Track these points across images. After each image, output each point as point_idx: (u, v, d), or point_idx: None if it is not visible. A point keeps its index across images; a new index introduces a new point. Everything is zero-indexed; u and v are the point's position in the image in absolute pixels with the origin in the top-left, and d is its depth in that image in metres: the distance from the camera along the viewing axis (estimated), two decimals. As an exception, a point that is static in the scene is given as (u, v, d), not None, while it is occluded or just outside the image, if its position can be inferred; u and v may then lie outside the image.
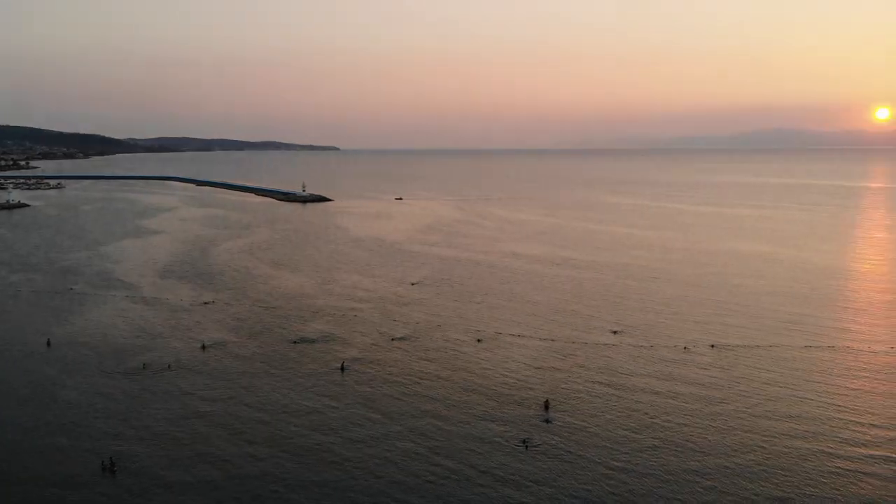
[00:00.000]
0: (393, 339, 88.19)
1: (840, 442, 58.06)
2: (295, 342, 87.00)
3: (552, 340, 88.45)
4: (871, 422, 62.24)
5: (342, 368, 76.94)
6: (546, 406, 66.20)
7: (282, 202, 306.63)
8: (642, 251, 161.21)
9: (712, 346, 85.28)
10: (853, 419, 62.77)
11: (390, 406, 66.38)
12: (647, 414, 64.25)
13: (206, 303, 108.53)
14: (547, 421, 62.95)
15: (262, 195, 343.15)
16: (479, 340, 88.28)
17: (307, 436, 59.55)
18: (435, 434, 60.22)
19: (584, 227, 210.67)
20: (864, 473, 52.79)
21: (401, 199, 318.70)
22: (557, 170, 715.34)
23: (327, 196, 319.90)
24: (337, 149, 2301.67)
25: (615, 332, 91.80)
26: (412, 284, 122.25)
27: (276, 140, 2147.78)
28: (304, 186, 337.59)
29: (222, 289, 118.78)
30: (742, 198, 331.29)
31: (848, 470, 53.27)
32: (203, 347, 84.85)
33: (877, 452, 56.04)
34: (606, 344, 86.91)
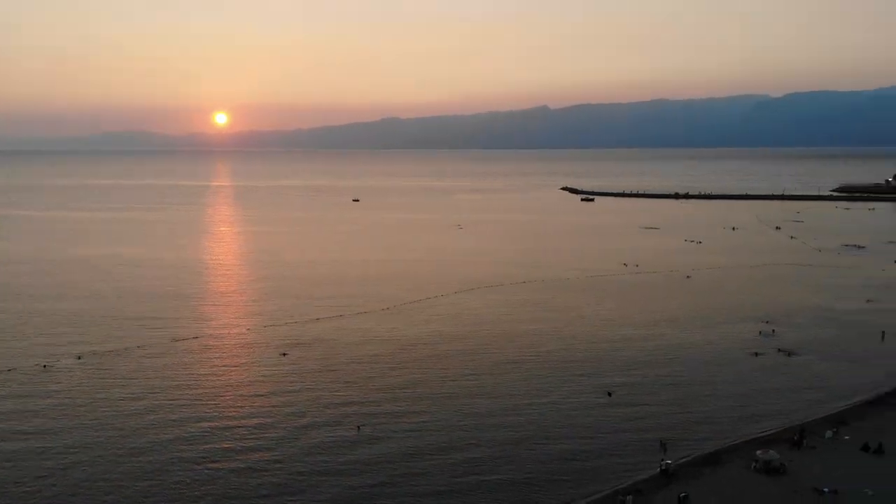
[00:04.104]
0: None
1: (223, 433, 62.30)
2: None
3: None
4: (240, 403, 68.74)
5: None
6: None
7: None
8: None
9: (79, 357, 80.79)
10: (224, 407, 68.16)
11: None
12: (12, 454, 56.75)
13: None
14: None
15: None
16: None
17: None
18: None
19: None
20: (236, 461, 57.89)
21: None
22: None
23: None
24: None
25: (-41, 364, 78.27)
26: None
27: None
28: None
29: None
30: (95, 201, 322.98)
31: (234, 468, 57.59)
32: None
33: (245, 438, 62.21)
34: (-52, 379, 73.22)
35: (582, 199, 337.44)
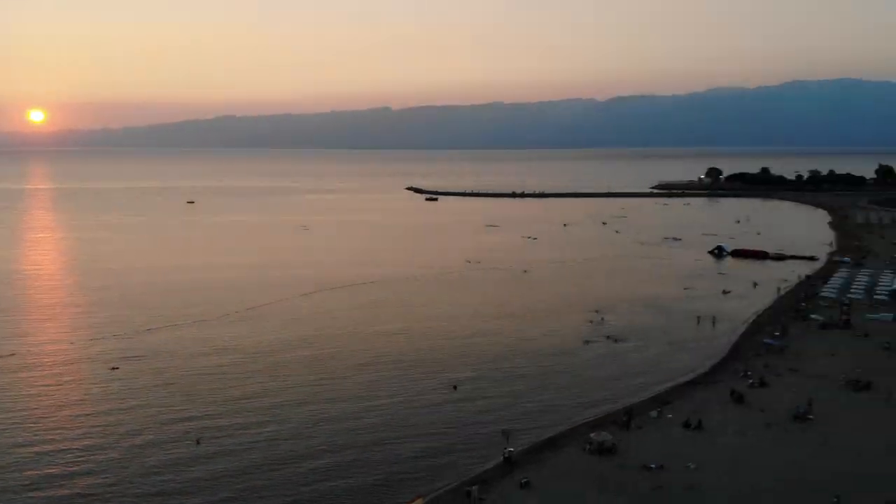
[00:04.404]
0: None
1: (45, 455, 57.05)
2: None
3: None
4: (56, 425, 63.37)
5: None
6: None
7: None
8: None
9: None
10: (49, 429, 62.57)
11: None
12: None
13: None
14: None
15: None
16: None
17: None
18: None
19: None
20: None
21: None
22: None
23: None
24: None
25: None
26: None
27: None
28: None
29: None
30: None
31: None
32: None
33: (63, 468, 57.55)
34: None
35: (426, 199, 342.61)
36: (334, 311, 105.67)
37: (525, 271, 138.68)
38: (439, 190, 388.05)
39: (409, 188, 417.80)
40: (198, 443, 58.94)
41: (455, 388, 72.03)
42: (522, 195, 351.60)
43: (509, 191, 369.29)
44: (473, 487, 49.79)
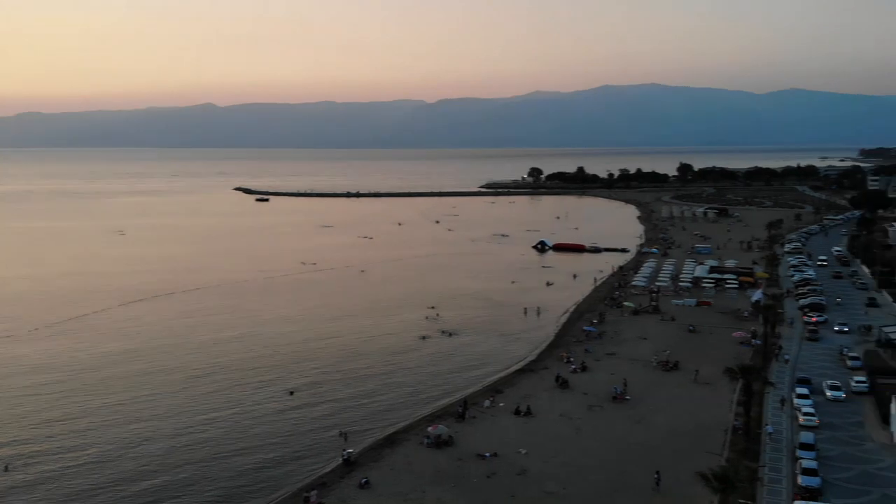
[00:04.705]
0: None
1: None
2: None
3: None
4: None
5: None
6: None
7: None
8: None
9: None
10: None
11: None
12: None
13: None
14: None
15: None
16: None
17: None
18: None
19: None
20: None
21: None
22: None
23: None
24: None
25: None
26: None
27: None
28: None
29: None
30: None
31: None
32: None
33: None
34: None
35: (257, 200, 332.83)
36: (160, 321, 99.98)
37: (362, 271, 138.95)
38: (270, 190, 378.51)
39: (237, 188, 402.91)
40: (6, 469, 53.68)
41: (292, 393, 71.05)
42: (357, 195, 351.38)
43: (343, 191, 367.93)
44: (312, 492, 49.44)
